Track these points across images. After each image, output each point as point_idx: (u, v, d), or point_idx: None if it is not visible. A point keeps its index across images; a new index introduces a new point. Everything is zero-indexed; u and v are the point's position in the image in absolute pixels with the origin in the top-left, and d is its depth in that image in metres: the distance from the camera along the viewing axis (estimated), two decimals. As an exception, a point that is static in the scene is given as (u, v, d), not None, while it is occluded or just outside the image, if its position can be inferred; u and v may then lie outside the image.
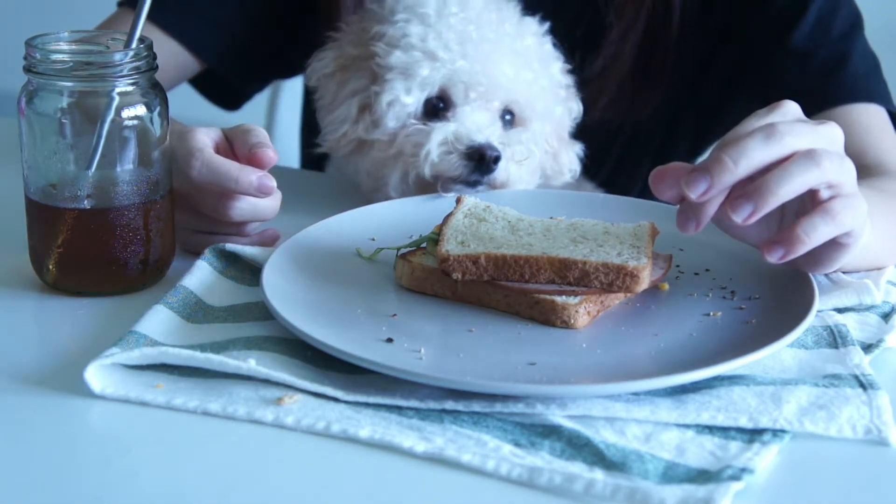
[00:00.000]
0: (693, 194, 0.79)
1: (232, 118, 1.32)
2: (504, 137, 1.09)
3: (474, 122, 1.08)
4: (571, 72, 1.21)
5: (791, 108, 0.84)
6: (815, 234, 0.80)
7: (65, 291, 0.92)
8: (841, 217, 0.81)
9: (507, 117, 1.12)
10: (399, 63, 1.09)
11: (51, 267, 0.91)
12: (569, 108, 1.17)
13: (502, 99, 1.10)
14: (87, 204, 0.90)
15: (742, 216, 0.79)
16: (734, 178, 0.79)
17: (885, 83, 1.21)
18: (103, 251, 0.91)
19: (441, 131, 1.07)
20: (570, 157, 1.16)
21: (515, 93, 1.10)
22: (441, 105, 1.10)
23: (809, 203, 0.81)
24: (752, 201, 0.79)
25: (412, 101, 1.09)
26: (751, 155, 0.79)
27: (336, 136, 1.13)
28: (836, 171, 0.80)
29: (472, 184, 1.08)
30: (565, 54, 1.21)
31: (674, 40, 1.25)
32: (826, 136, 0.82)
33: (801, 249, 0.80)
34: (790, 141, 0.80)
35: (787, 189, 0.79)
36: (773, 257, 0.81)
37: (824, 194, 0.81)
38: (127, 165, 0.91)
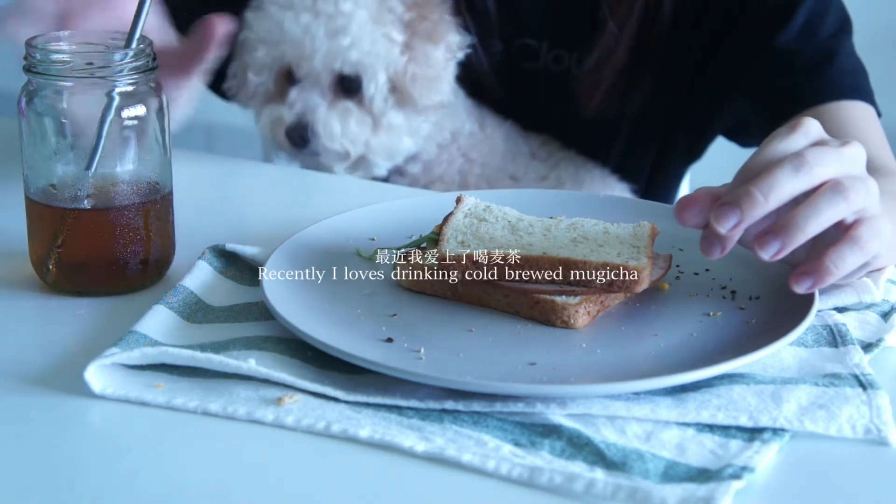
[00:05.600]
0: (723, 229, 0.79)
1: (231, 116, 1.33)
2: (314, 113, 1.24)
3: (301, 100, 1.24)
4: (560, 68, 1.30)
5: (813, 128, 0.83)
6: (843, 264, 0.80)
7: (65, 291, 0.92)
8: (869, 245, 0.80)
9: (353, 81, 1.26)
10: (244, 46, 1.27)
11: (51, 267, 0.91)
12: (436, 44, 1.27)
13: (330, 70, 1.24)
14: (87, 204, 0.90)
15: (769, 253, 0.79)
16: (764, 211, 0.79)
17: (870, 84, 1.21)
18: (103, 251, 0.91)
19: (263, 114, 1.26)
20: (427, 93, 1.27)
21: (338, 61, 1.24)
22: (286, 83, 1.26)
23: (835, 229, 0.81)
24: (779, 239, 0.79)
25: (260, 80, 1.27)
26: (781, 188, 0.78)
27: (234, 87, 1.31)
28: (862, 197, 0.80)
29: (311, 154, 1.27)
30: (560, 48, 1.27)
31: (666, 36, 1.26)
32: (850, 158, 0.81)
33: (830, 280, 0.80)
34: (819, 171, 0.79)
35: (815, 225, 0.79)
36: (802, 288, 0.81)
37: (849, 219, 0.81)
38: (127, 165, 0.91)
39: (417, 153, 1.32)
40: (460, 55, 1.29)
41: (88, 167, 0.89)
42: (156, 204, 0.92)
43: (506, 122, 1.36)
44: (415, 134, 1.30)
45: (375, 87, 1.25)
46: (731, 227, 0.79)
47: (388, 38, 1.25)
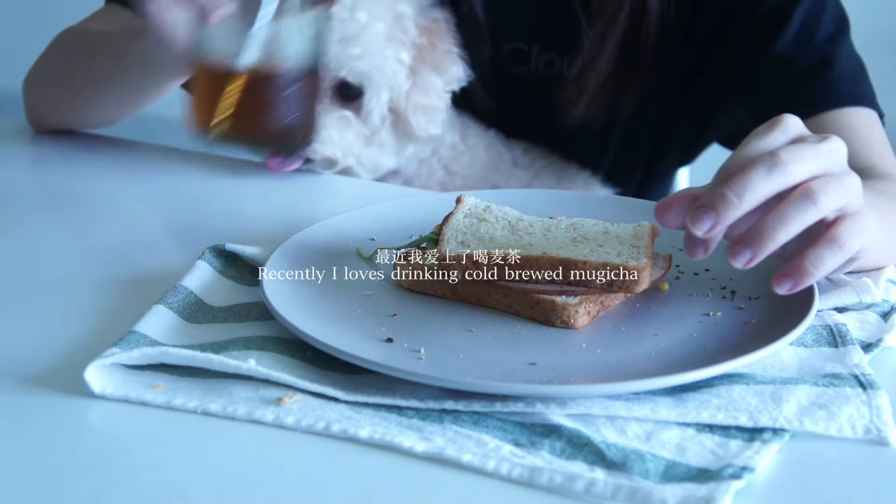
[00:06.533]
0: (699, 232, 0.79)
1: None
2: None
3: None
4: (552, 72, 1.29)
5: (792, 125, 0.83)
6: (822, 265, 0.80)
7: (230, 145, 0.96)
8: (848, 244, 0.80)
9: (353, 90, 1.25)
10: None
11: (218, 121, 0.94)
12: (439, 73, 1.26)
13: (332, 77, 1.24)
14: (250, 68, 0.93)
15: (741, 262, 0.79)
16: (739, 213, 0.78)
17: (871, 85, 1.20)
18: (265, 114, 0.94)
19: None
20: (424, 124, 1.27)
21: (345, 69, 1.23)
22: None
23: (818, 225, 0.80)
24: (749, 248, 0.79)
25: None
26: (755, 189, 0.78)
27: None
28: (837, 199, 0.79)
29: (305, 161, 1.23)
30: (551, 52, 1.28)
31: (652, 43, 1.26)
32: (828, 154, 0.81)
33: (810, 281, 0.80)
34: (794, 169, 0.79)
35: (785, 234, 0.78)
36: (783, 289, 0.81)
37: (831, 216, 0.80)
38: (288, 36, 0.94)
39: (399, 169, 1.32)
40: (456, 88, 1.29)
41: (250, 36, 0.92)
42: (313, 74, 0.96)
43: (489, 131, 1.36)
44: (400, 154, 1.30)
45: (377, 102, 1.25)
46: (707, 231, 0.79)
47: (396, 59, 1.25)
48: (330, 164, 1.25)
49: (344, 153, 1.24)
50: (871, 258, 0.87)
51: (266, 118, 0.95)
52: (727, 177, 0.80)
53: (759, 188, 0.78)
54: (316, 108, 0.98)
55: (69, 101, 1.29)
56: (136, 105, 1.24)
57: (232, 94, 0.93)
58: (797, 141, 0.81)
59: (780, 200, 0.79)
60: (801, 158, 0.79)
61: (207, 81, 0.96)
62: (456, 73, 1.28)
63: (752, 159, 0.80)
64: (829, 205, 0.79)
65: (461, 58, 1.28)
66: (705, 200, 0.79)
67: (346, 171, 1.26)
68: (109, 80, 1.22)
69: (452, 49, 1.28)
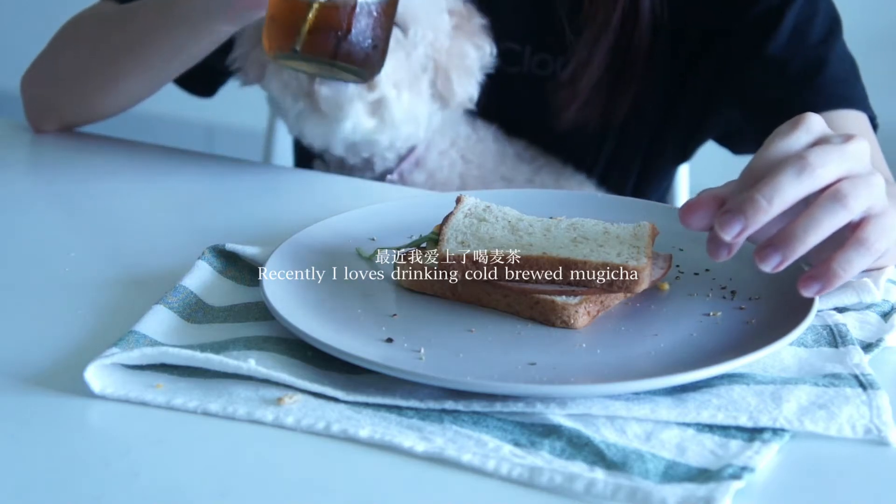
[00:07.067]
0: (728, 236, 0.79)
1: (231, 116, 1.33)
2: None
3: None
4: (546, 73, 1.29)
5: (815, 124, 0.82)
6: (850, 267, 0.80)
7: (302, 65, 1.00)
8: (876, 246, 0.80)
9: (398, 27, 1.21)
10: None
11: (295, 43, 0.97)
12: (475, 45, 1.25)
13: None
14: None
15: (770, 266, 0.79)
16: (768, 217, 0.78)
17: (864, 87, 1.20)
18: (340, 37, 0.98)
19: None
20: (464, 83, 1.25)
21: None
22: None
23: (843, 227, 0.80)
24: (779, 252, 0.78)
25: None
26: (784, 193, 0.78)
27: (241, 58, 1.25)
28: (864, 199, 0.79)
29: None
30: (544, 52, 1.30)
31: (645, 46, 1.25)
32: (853, 154, 0.81)
33: (838, 283, 0.80)
34: (822, 172, 0.79)
35: (815, 237, 0.78)
36: (811, 292, 0.80)
37: (856, 218, 0.80)
38: None
39: (421, 160, 1.31)
40: (488, 64, 1.28)
41: None
42: (389, 3, 1.00)
43: (492, 125, 1.36)
44: (429, 120, 1.27)
45: (422, 38, 1.22)
46: (735, 235, 0.79)
47: (440, 10, 1.24)
48: (370, 84, 1.20)
49: (386, 76, 1.19)
50: (890, 257, 0.87)
51: (341, 42, 0.97)
52: (754, 180, 0.79)
53: (788, 192, 0.78)
54: (388, 38, 1.00)
55: (92, 87, 1.27)
56: (178, 67, 1.22)
57: (310, 16, 0.96)
58: (821, 141, 0.81)
59: (805, 203, 0.79)
60: (829, 161, 0.79)
61: (285, 4, 0.98)
62: (489, 49, 1.27)
63: (779, 161, 0.79)
64: (858, 206, 0.79)
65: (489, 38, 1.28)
66: (734, 205, 0.79)
67: (378, 110, 1.22)
68: (147, 46, 1.20)
69: (484, 26, 1.27)
